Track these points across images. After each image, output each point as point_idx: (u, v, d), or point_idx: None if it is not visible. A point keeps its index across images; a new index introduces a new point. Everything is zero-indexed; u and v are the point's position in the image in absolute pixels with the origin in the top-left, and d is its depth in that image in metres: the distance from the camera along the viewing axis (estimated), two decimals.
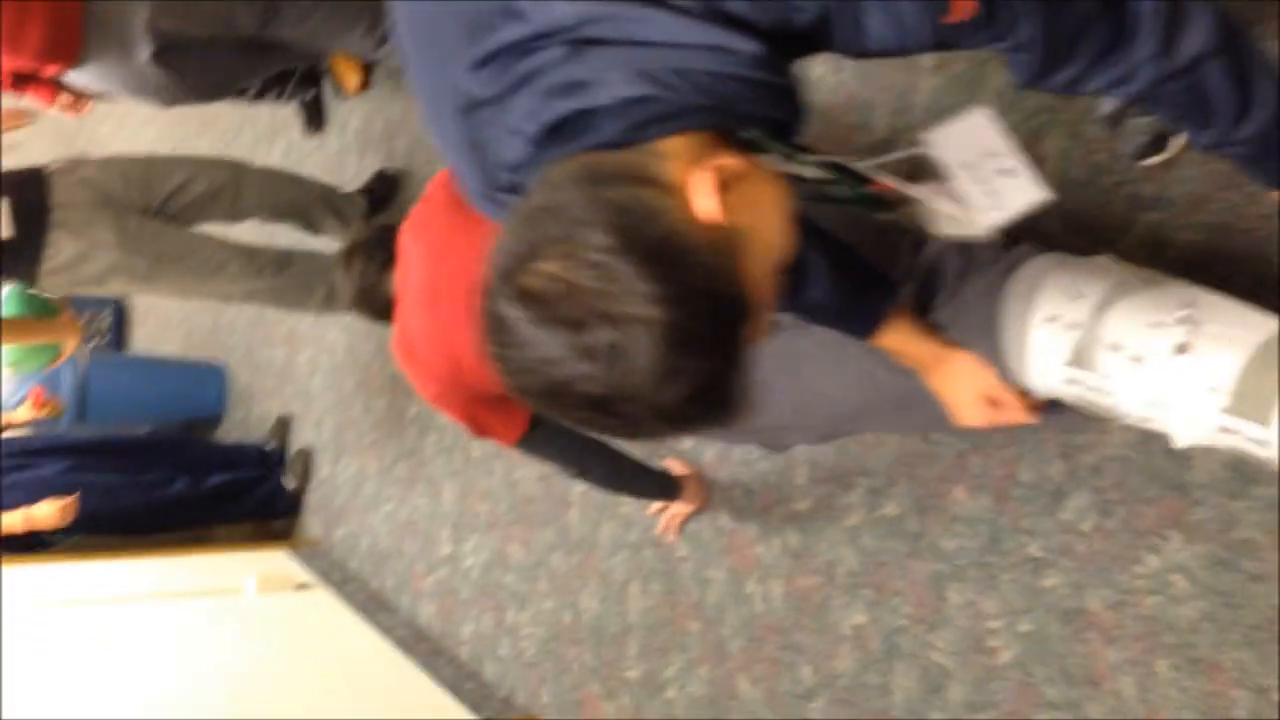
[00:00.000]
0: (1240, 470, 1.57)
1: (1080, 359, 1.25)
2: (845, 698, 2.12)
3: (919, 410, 1.63)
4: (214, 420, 4.96)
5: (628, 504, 2.65)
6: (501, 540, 3.08)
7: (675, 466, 2.45)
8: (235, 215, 3.21)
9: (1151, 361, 1.19)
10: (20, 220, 2.83)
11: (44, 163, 3.00)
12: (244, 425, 4.70)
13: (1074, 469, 1.77)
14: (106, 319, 5.19)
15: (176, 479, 3.96)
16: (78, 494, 3.32)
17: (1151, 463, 1.67)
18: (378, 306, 2.05)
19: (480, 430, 2.08)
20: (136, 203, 2.99)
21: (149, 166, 3.09)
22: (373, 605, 3.59)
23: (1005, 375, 1.35)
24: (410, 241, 1.99)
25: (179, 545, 4.02)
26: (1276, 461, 1.15)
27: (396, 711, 3.01)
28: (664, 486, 2.37)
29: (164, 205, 3.06)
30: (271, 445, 4.25)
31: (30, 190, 2.87)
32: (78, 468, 3.80)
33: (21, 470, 3.69)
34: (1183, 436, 1.22)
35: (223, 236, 3.14)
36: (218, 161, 3.27)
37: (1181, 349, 1.16)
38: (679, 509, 2.44)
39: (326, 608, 3.61)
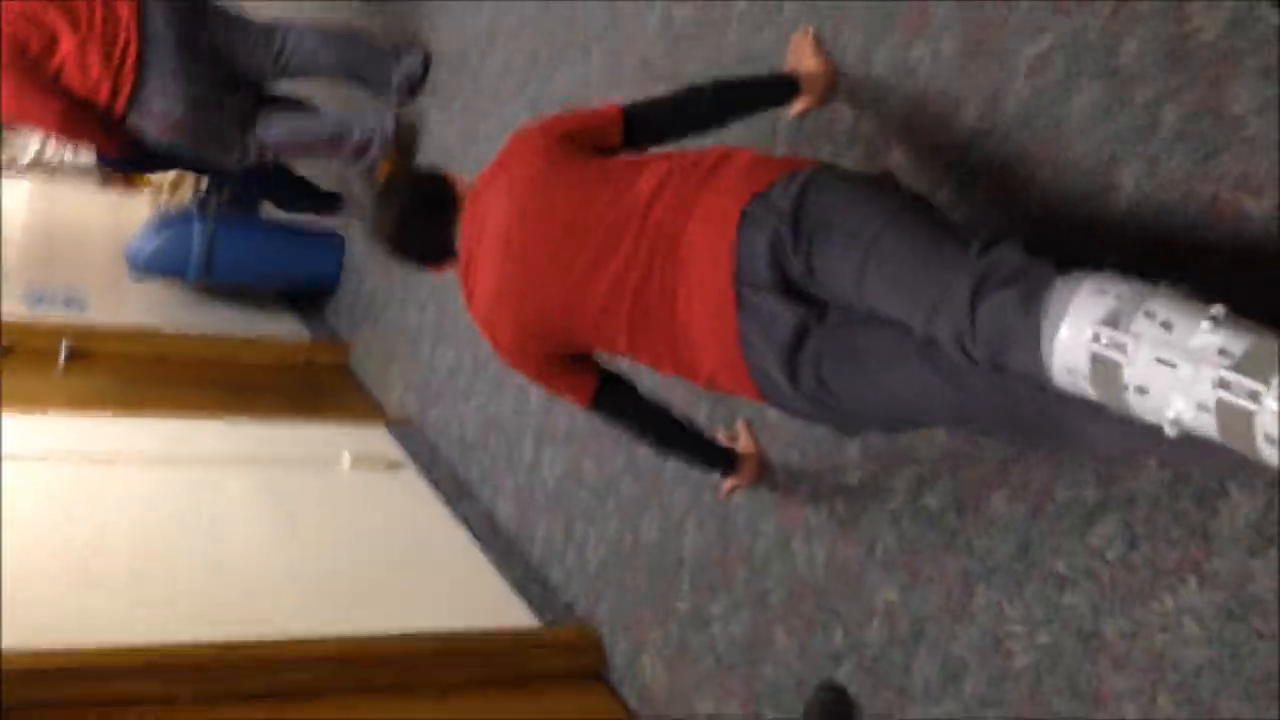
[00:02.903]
0: (1262, 530, 1.59)
1: (1114, 319, 1.39)
2: (870, 668, 2.22)
3: (978, 420, 1.72)
4: (331, 287, 5.18)
5: None
6: (578, 455, 3.22)
7: (734, 445, 2.54)
8: None
9: (1180, 329, 1.34)
10: None
11: None
12: (356, 294, 4.90)
13: (1108, 496, 1.81)
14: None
15: None
16: None
17: (1179, 505, 1.70)
18: (420, 253, 2.15)
19: (552, 388, 2.19)
20: None
21: None
22: (457, 492, 3.78)
23: (1018, 348, 1.48)
24: (486, 198, 2.06)
25: (285, 411, 4.26)
26: (1269, 431, 1.27)
27: (466, 603, 3.21)
28: (722, 460, 2.47)
29: None
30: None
31: None
32: None
33: None
34: (1173, 405, 1.34)
35: None
36: None
37: (1215, 320, 1.32)
38: (732, 482, 2.54)
39: (413, 488, 3.82)
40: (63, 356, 4.38)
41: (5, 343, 4.33)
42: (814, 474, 2.40)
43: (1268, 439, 1.27)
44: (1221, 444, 1.34)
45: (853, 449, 2.31)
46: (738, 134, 2.60)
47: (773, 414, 2.52)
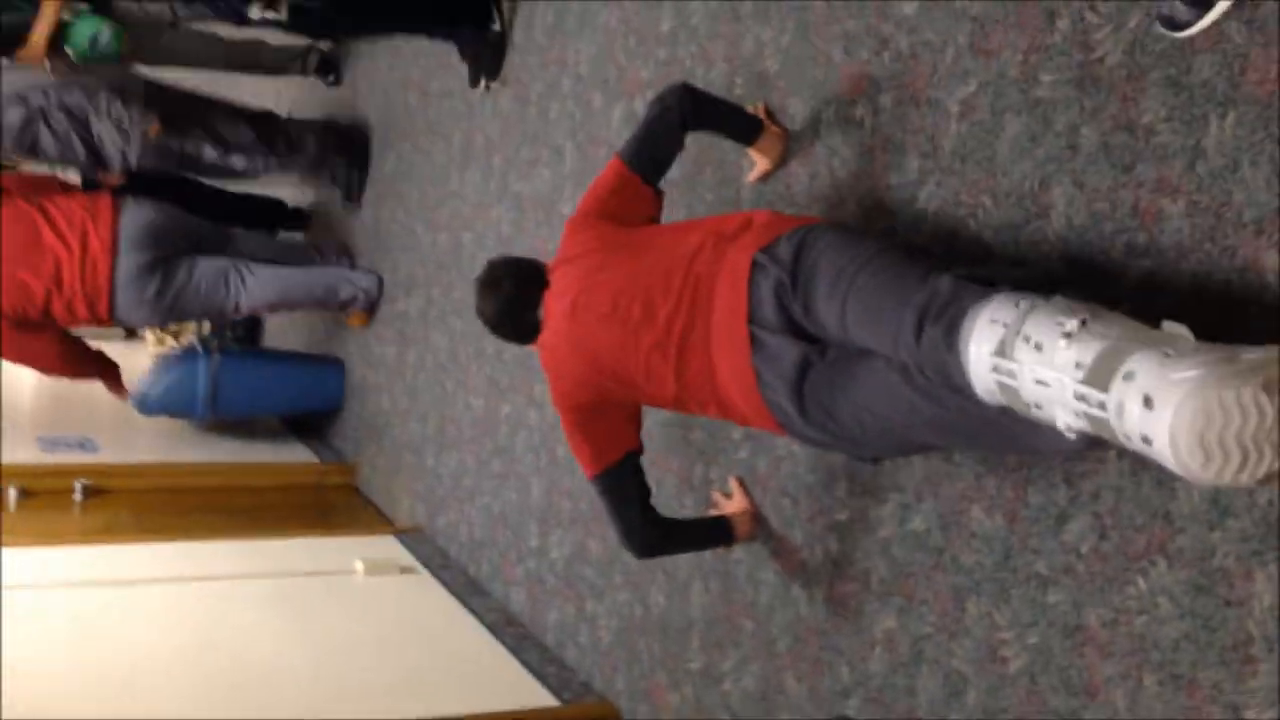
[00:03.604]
0: (1217, 503, 1.69)
1: (1002, 347, 1.55)
2: (877, 697, 2.29)
3: (958, 432, 1.85)
4: (334, 411, 5.31)
5: (692, 508, 2.85)
6: (582, 535, 3.31)
7: (728, 505, 2.66)
8: None
9: (1047, 348, 1.48)
10: None
11: None
12: (359, 415, 5.03)
13: (1076, 494, 1.91)
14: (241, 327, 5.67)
15: None
16: None
17: (1141, 492, 1.80)
18: (520, 330, 2.44)
19: (573, 447, 2.45)
20: None
21: None
22: (469, 590, 3.86)
23: (956, 376, 1.65)
24: (558, 278, 2.37)
25: (297, 528, 4.36)
26: (1128, 432, 1.39)
27: (487, 689, 3.27)
28: (716, 536, 2.61)
29: None
30: None
31: None
32: None
33: None
34: (1059, 418, 1.49)
35: None
36: None
37: (1068, 336, 1.45)
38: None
39: (427, 590, 3.90)
40: (78, 495, 4.49)
41: (23, 486, 4.45)
42: (806, 519, 2.50)
43: (1128, 438, 1.40)
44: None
45: (840, 489, 2.41)
46: (707, 203, 2.77)
47: (762, 468, 2.63)
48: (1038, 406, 1.53)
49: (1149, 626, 1.79)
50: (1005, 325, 1.56)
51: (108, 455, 4.96)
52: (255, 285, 4.49)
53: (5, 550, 3.77)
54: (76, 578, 3.62)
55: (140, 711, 2.87)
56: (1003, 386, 1.57)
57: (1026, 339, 1.52)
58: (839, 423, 1.97)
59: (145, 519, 4.38)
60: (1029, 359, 1.51)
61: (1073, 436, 1.51)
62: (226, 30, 4.54)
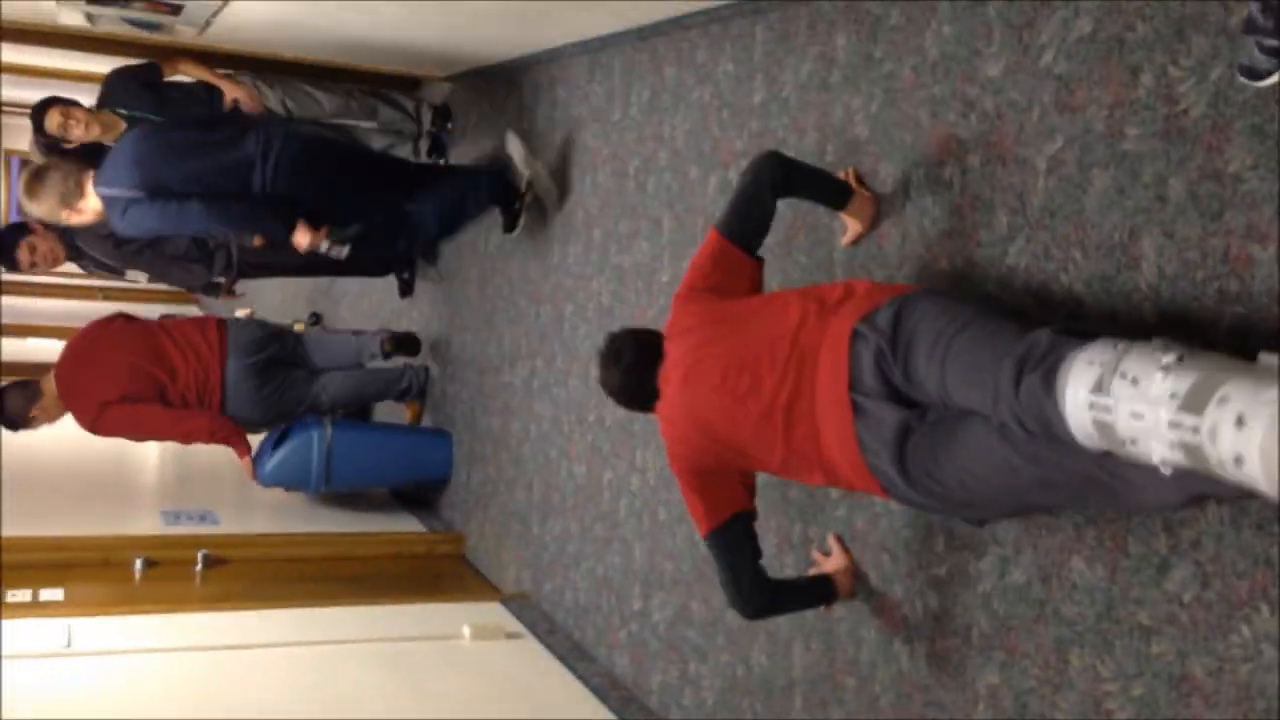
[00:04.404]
0: None
1: (1099, 385, 1.59)
2: None
3: (1060, 491, 1.88)
4: (443, 481, 5.44)
5: (792, 566, 2.87)
6: (684, 597, 3.35)
7: (827, 563, 2.69)
8: None
9: (1143, 382, 1.52)
10: None
11: None
12: (466, 485, 5.15)
13: (1176, 543, 1.91)
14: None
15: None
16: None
17: (1242, 538, 1.79)
18: (640, 399, 2.54)
19: (689, 506, 2.52)
20: None
21: None
22: (574, 654, 3.91)
23: (1055, 422, 1.69)
24: (671, 350, 2.48)
25: (406, 595, 4.46)
26: (1221, 456, 1.41)
27: None
28: (818, 595, 2.65)
29: None
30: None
31: None
32: None
33: None
34: (1155, 451, 1.52)
35: None
36: None
37: (1165, 369, 1.50)
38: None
39: (533, 654, 3.95)
40: (199, 564, 4.66)
41: (148, 556, 4.64)
42: (905, 574, 2.51)
43: (1221, 464, 1.41)
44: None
45: (939, 544, 2.42)
46: (801, 266, 2.84)
47: (860, 523, 2.66)
48: (1133, 442, 1.55)
49: (1254, 674, 1.77)
50: (1102, 365, 1.60)
51: (227, 526, 5.14)
52: (332, 384, 5.23)
53: (133, 617, 3.95)
54: (198, 642, 3.75)
55: None
56: (1099, 424, 1.60)
57: (1123, 375, 1.56)
58: (943, 485, 2.01)
59: (262, 587, 4.52)
60: (1125, 393, 1.54)
61: (1168, 472, 1.52)
62: None
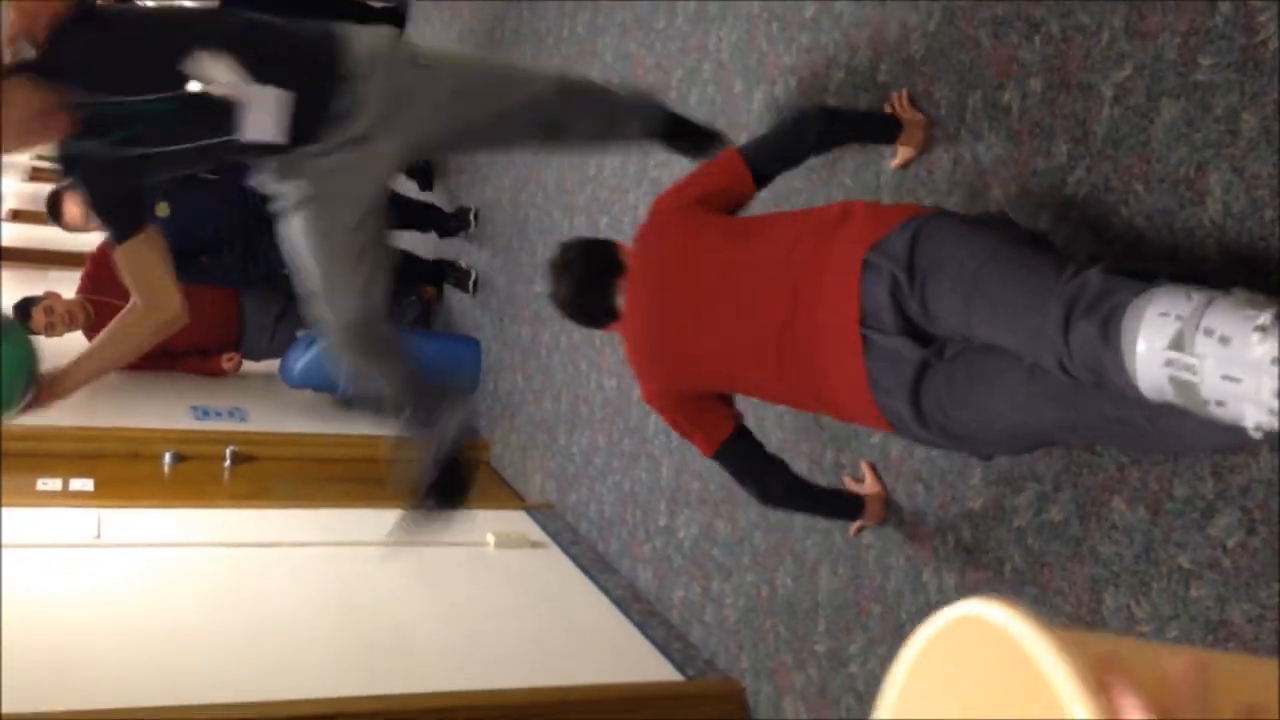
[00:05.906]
0: None
1: (1179, 341, 1.48)
2: None
3: (1082, 433, 1.83)
4: (471, 389, 5.44)
5: None
6: (710, 516, 3.34)
7: (860, 487, 2.65)
8: None
9: (1237, 343, 1.42)
10: None
11: None
12: (493, 394, 5.15)
13: (1224, 488, 1.87)
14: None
15: None
16: None
17: None
18: (593, 315, 2.36)
19: (681, 434, 2.41)
20: None
21: None
22: (597, 566, 3.93)
23: (1112, 372, 1.58)
24: (641, 262, 2.30)
25: None
26: None
27: (612, 662, 3.33)
28: (846, 507, 2.60)
29: None
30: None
31: None
32: None
33: None
34: (1249, 415, 1.42)
35: None
36: None
37: (1262, 329, 1.40)
38: (859, 523, 2.66)
39: (556, 564, 3.98)
40: (228, 461, 4.69)
41: (177, 451, 4.67)
42: (939, 505, 2.49)
43: None
44: None
45: (975, 476, 2.39)
46: (846, 188, 2.77)
47: (895, 452, 2.63)
48: (1219, 404, 1.46)
49: None
50: (1180, 318, 1.50)
51: (255, 424, 5.16)
52: None
53: (162, 510, 3.99)
54: (226, 538, 3.78)
55: (288, 667, 3.00)
56: (1177, 382, 1.50)
57: (1209, 332, 1.46)
58: (959, 423, 1.93)
59: (289, 486, 4.56)
60: (1213, 352, 1.45)
61: (1259, 436, 1.44)
62: None
